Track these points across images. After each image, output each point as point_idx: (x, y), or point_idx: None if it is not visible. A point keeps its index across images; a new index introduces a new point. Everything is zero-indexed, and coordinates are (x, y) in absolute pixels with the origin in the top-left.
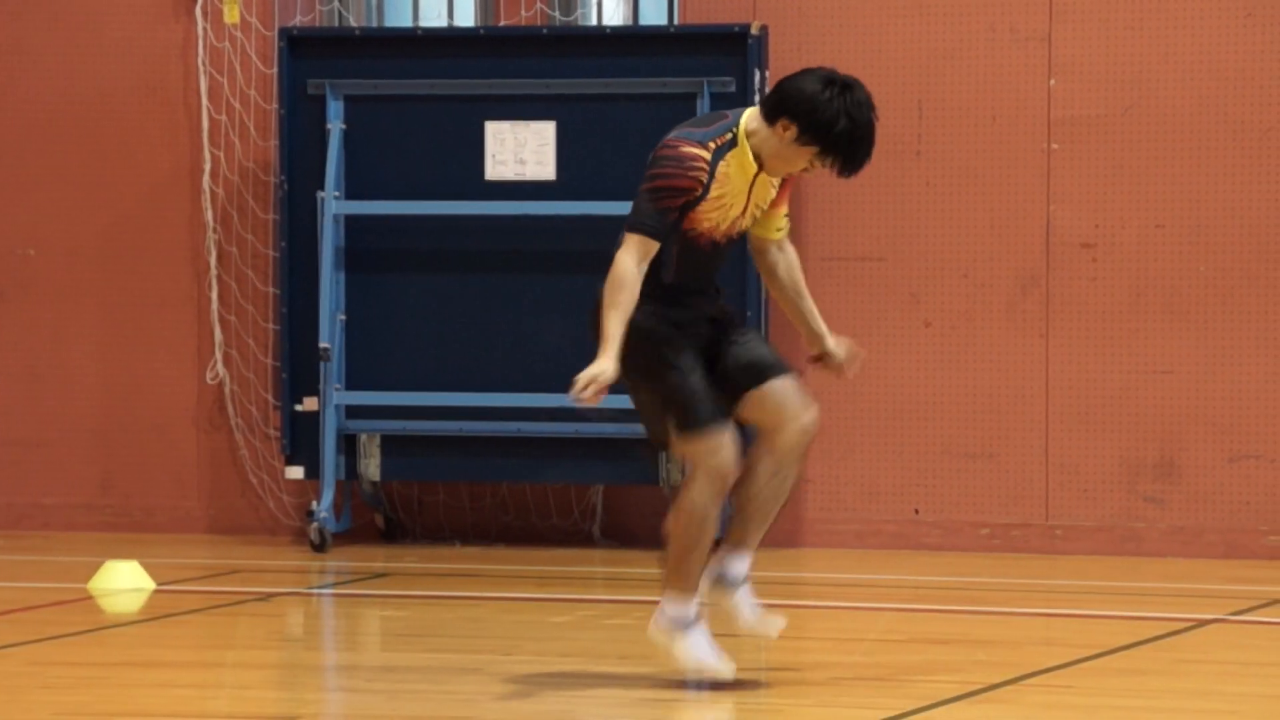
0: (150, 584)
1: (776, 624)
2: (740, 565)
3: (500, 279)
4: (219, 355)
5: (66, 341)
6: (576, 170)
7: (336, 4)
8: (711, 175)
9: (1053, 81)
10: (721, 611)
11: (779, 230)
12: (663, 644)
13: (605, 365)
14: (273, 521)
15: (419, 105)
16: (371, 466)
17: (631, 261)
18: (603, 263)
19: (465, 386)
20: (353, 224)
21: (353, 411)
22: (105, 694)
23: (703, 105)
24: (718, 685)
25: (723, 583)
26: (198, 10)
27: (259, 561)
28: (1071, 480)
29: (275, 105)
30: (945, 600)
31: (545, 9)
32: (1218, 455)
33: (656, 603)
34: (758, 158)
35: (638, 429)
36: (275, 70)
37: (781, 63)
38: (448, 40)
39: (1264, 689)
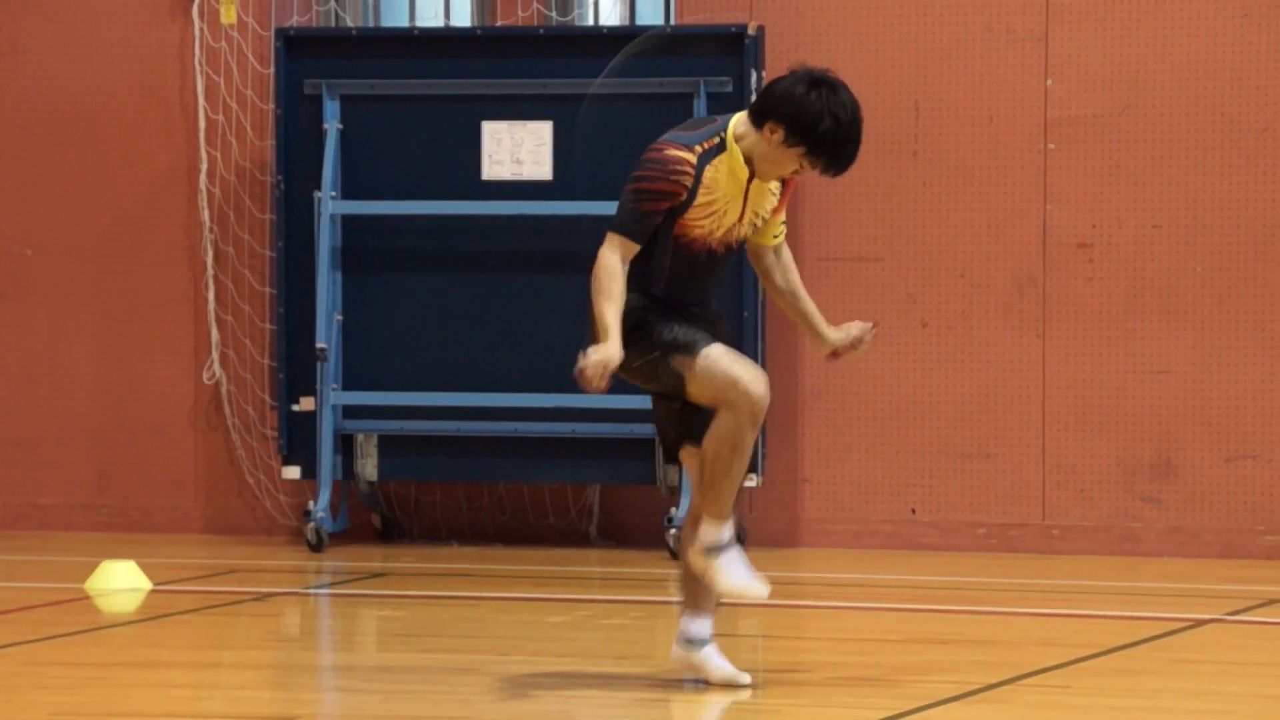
0: (147, 584)
1: (745, 676)
2: (702, 626)
3: (497, 279)
4: (216, 355)
5: (63, 341)
6: (573, 170)
7: (333, 4)
8: (697, 180)
9: (1049, 82)
10: (691, 666)
11: (776, 236)
12: (700, 567)
13: (610, 350)
14: (269, 521)
15: (416, 105)
16: (368, 466)
17: (614, 257)
18: None
19: (462, 386)
20: (350, 224)
21: (350, 411)
22: (102, 694)
23: (699, 105)
24: (715, 685)
25: (690, 644)
26: (194, 10)
27: (256, 561)
28: (1068, 480)
29: (272, 105)
30: (942, 600)
31: (542, 9)
32: (1215, 455)
33: (654, 602)
34: (749, 162)
35: (635, 429)
36: (272, 70)
37: (778, 63)
38: (444, 40)
39: (1261, 689)
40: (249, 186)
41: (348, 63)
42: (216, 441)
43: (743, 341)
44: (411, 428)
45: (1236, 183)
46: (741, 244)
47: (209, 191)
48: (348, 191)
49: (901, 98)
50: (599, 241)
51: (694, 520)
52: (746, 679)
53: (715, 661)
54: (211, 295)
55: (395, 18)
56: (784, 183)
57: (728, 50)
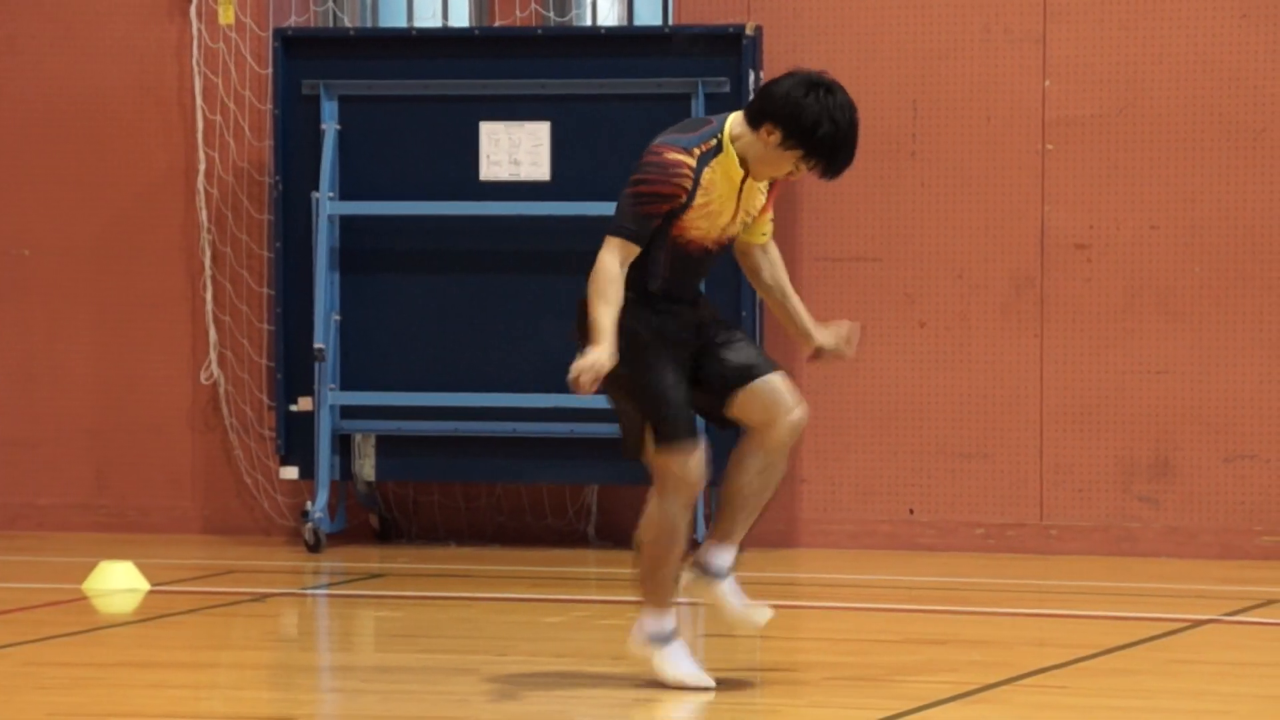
0: (145, 584)
1: (764, 613)
2: (725, 557)
3: (495, 279)
4: (213, 355)
5: (61, 341)
6: (571, 171)
7: (331, 4)
8: (696, 182)
9: (1047, 82)
10: (708, 602)
11: (764, 235)
12: (642, 658)
13: (601, 354)
14: (267, 522)
15: (414, 106)
16: (366, 467)
17: (614, 261)
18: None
19: (460, 387)
20: (347, 224)
21: (347, 412)
22: (100, 694)
23: (697, 106)
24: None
25: (707, 573)
26: (192, 11)
27: (254, 562)
28: (1066, 480)
29: (270, 105)
30: (940, 600)
31: (540, 9)
32: (1213, 455)
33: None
34: (743, 163)
35: None
36: (270, 71)
37: (776, 63)
38: (442, 41)
39: (1258, 689)
40: (247, 187)
41: (346, 63)
42: (214, 442)
43: None
44: (409, 428)
45: (1234, 183)
46: (732, 240)
47: (207, 192)
48: (345, 192)
49: (899, 98)
50: (597, 242)
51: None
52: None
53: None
54: (209, 295)
55: (393, 18)
56: (772, 181)
57: (725, 51)
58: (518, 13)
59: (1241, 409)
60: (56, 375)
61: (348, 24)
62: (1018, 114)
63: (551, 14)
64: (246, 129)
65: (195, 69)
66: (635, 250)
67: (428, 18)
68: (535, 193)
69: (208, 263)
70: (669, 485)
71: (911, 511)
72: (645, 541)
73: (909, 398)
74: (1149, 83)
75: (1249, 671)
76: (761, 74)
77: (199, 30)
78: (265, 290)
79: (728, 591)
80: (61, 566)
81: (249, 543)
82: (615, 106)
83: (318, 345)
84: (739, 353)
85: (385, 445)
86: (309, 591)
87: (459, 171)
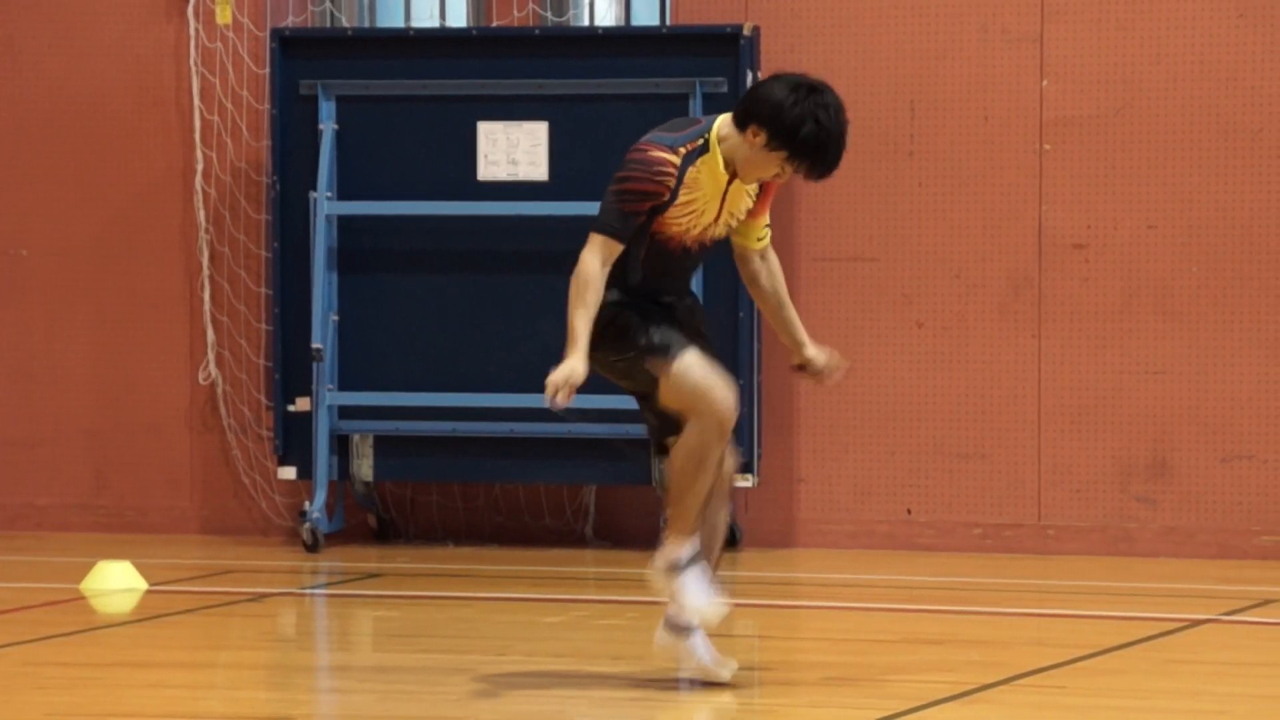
0: (143, 584)
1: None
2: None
3: (493, 279)
4: (211, 356)
5: (59, 342)
6: (569, 171)
7: (328, 4)
8: (680, 180)
9: (1045, 82)
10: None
11: (760, 240)
12: (659, 585)
13: (574, 365)
14: (265, 522)
15: (411, 106)
16: (364, 467)
17: (596, 262)
18: None
19: (458, 387)
20: (345, 224)
21: (345, 412)
22: (98, 694)
23: (695, 106)
24: (710, 685)
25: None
26: (190, 11)
27: (252, 562)
28: (1064, 480)
29: (267, 106)
30: (938, 600)
31: (537, 9)
32: (1210, 456)
33: (650, 603)
34: (729, 164)
35: (629, 429)
36: (267, 71)
37: (774, 63)
38: (440, 41)
39: (1256, 689)
40: (244, 187)
41: (343, 63)
42: (212, 442)
43: (738, 341)
44: (407, 428)
45: (1232, 183)
46: (716, 242)
47: (204, 192)
48: (343, 192)
49: (897, 98)
50: None
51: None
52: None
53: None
54: (207, 295)
55: (390, 18)
56: (763, 185)
57: (723, 51)
58: (515, 13)
59: (1239, 409)
60: (55, 375)
61: (345, 24)
62: (1015, 114)
63: (549, 14)
64: (244, 129)
65: (193, 69)
66: (618, 248)
67: (425, 18)
68: (533, 193)
69: (205, 263)
70: (696, 411)
71: (909, 512)
72: (673, 468)
73: (907, 398)
74: (1146, 83)
75: (1246, 671)
76: (759, 74)
77: (196, 30)
78: (263, 290)
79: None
80: (59, 566)
81: (247, 543)
82: (613, 106)
83: (315, 345)
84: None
85: (383, 445)
86: (307, 591)
87: (457, 171)
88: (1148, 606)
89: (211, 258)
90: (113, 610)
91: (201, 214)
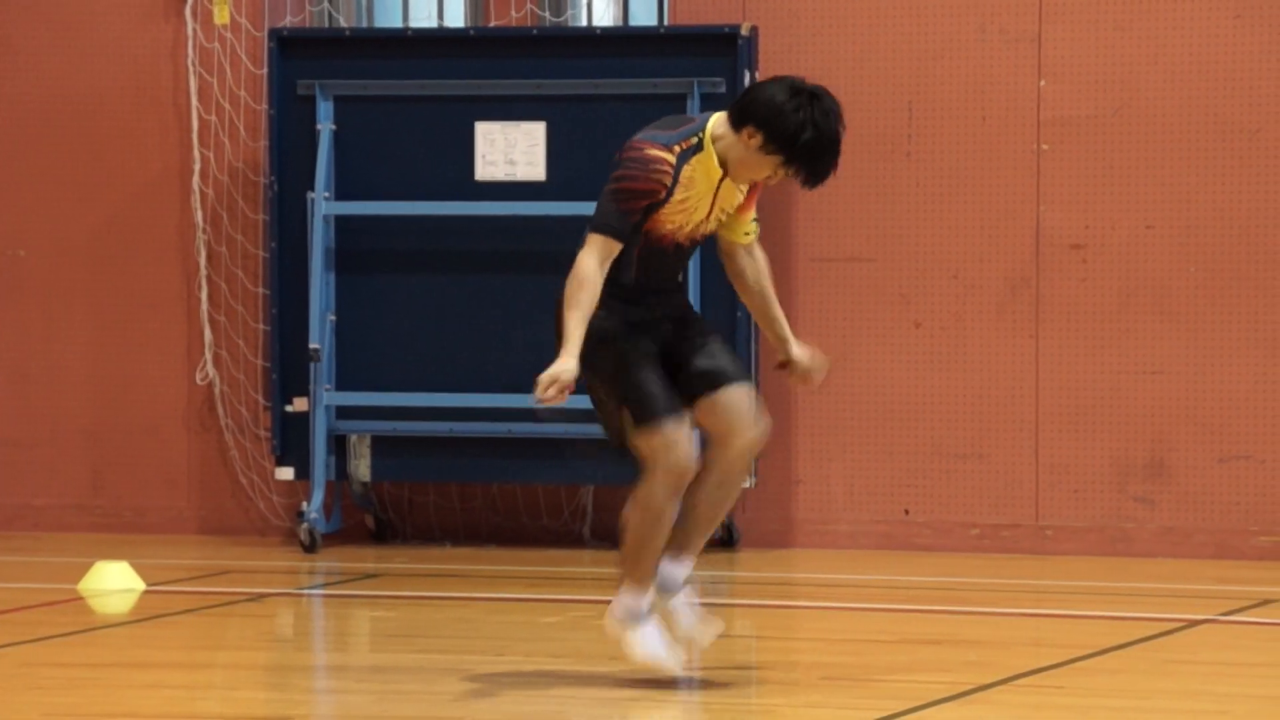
0: (140, 585)
1: (714, 628)
2: (679, 571)
3: (490, 279)
4: (209, 356)
5: (57, 342)
6: (566, 171)
7: (326, 4)
8: (675, 179)
9: (1043, 82)
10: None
11: (747, 235)
12: (615, 635)
13: (567, 364)
14: (263, 522)
15: (409, 106)
16: (362, 467)
17: (593, 262)
18: None
19: (456, 387)
20: (343, 224)
21: (343, 412)
22: (95, 695)
23: (693, 106)
24: (708, 685)
25: (662, 589)
26: (187, 11)
27: (249, 562)
28: (1062, 481)
29: (265, 106)
30: (935, 601)
31: (535, 10)
32: (1208, 456)
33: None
34: (723, 163)
35: None
36: (265, 71)
37: (771, 64)
38: (438, 41)
39: (1253, 689)
40: (242, 187)
41: (341, 63)
42: (210, 442)
43: (735, 342)
44: (405, 428)
45: (1229, 183)
46: (706, 237)
47: (202, 192)
48: (341, 192)
49: (895, 98)
50: None
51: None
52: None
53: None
54: (205, 296)
55: (388, 18)
56: (752, 182)
57: (721, 51)
58: (513, 13)
59: (1237, 409)
60: (52, 376)
61: (343, 24)
62: (1013, 114)
63: (547, 14)
64: (242, 129)
65: (190, 69)
66: (616, 247)
67: (423, 18)
68: (531, 193)
69: (203, 263)
70: (655, 467)
71: (907, 512)
72: (630, 522)
73: (904, 398)
74: (1144, 83)
75: (1244, 671)
76: (757, 74)
77: (194, 30)
78: (260, 290)
79: (679, 606)
80: (57, 567)
81: (245, 543)
82: (611, 107)
83: (313, 345)
84: (709, 358)
85: (381, 445)
86: (305, 592)
87: (454, 172)
88: (1145, 607)
89: (209, 258)
90: (110, 611)
91: (199, 214)
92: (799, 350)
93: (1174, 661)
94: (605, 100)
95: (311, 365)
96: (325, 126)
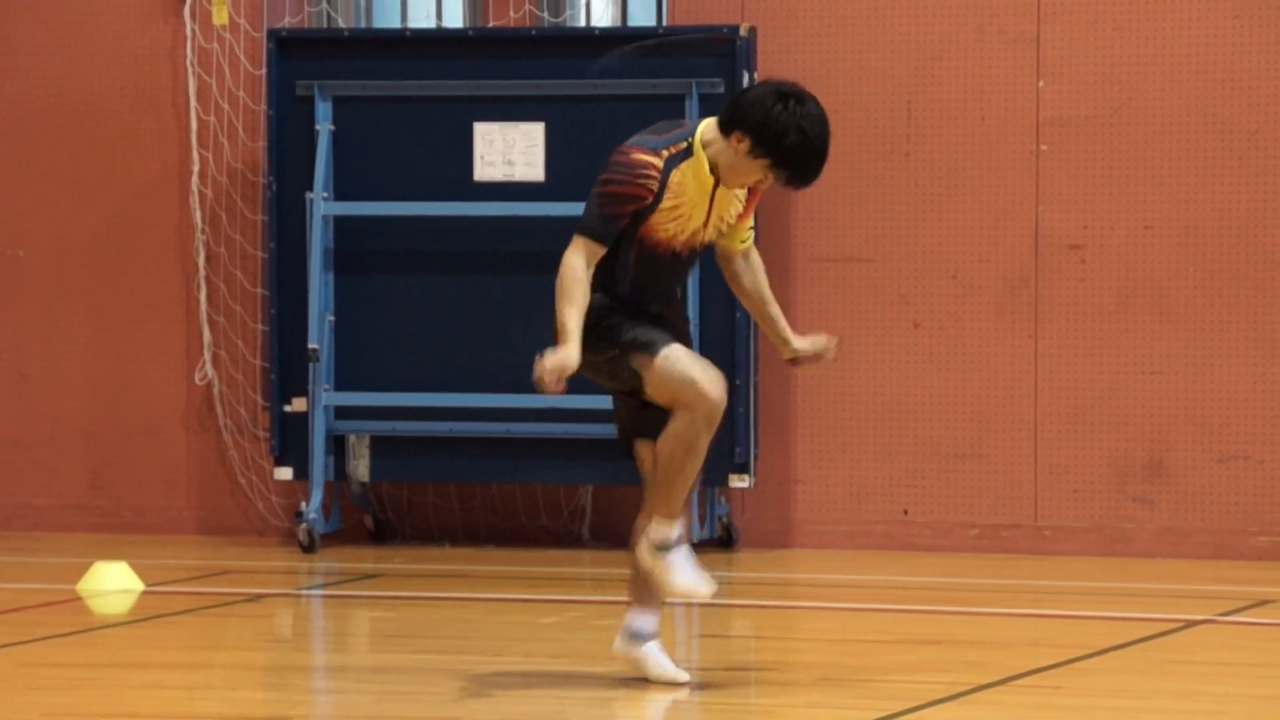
0: (139, 585)
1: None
2: (647, 622)
3: (489, 280)
4: (208, 356)
5: (56, 342)
6: (565, 171)
7: (325, 5)
8: (663, 185)
9: (1041, 83)
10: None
11: (744, 241)
12: (647, 565)
13: (568, 352)
14: (262, 522)
15: (407, 106)
16: (360, 467)
17: (580, 261)
18: None
19: (454, 387)
20: (341, 225)
21: (342, 412)
22: (94, 695)
23: (691, 107)
24: (707, 685)
25: (633, 640)
26: (186, 11)
27: (248, 562)
28: (1060, 481)
29: (264, 106)
30: (934, 601)
31: (534, 10)
32: (1207, 456)
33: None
34: (714, 169)
35: None
36: (264, 71)
37: (770, 64)
38: (436, 41)
39: (1252, 690)
40: (241, 187)
41: (340, 64)
42: (209, 442)
43: (734, 342)
44: (404, 428)
45: (1228, 184)
46: (705, 247)
47: (201, 192)
48: (339, 192)
49: (893, 99)
50: None
51: (647, 515)
52: (685, 677)
53: (655, 659)
54: (203, 296)
55: (387, 19)
56: (750, 189)
57: (720, 51)
58: (512, 13)
59: (1235, 409)
60: (51, 376)
61: (342, 25)
62: (1012, 115)
63: (545, 15)
64: (240, 130)
65: (189, 70)
66: (600, 250)
67: (422, 18)
68: (530, 193)
69: (202, 263)
70: (684, 397)
71: (906, 512)
72: (662, 454)
73: (903, 399)
74: (1143, 83)
75: (1243, 672)
76: (755, 75)
77: (193, 31)
78: (259, 291)
79: (653, 652)
80: (56, 567)
81: (243, 543)
82: (609, 107)
83: (312, 346)
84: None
85: (380, 446)
86: (303, 592)
87: (453, 172)
88: (1144, 607)
89: (208, 258)
90: (109, 611)
91: (198, 214)
92: (801, 343)
93: (1172, 662)
94: (604, 101)
95: (310, 365)
96: (324, 127)
